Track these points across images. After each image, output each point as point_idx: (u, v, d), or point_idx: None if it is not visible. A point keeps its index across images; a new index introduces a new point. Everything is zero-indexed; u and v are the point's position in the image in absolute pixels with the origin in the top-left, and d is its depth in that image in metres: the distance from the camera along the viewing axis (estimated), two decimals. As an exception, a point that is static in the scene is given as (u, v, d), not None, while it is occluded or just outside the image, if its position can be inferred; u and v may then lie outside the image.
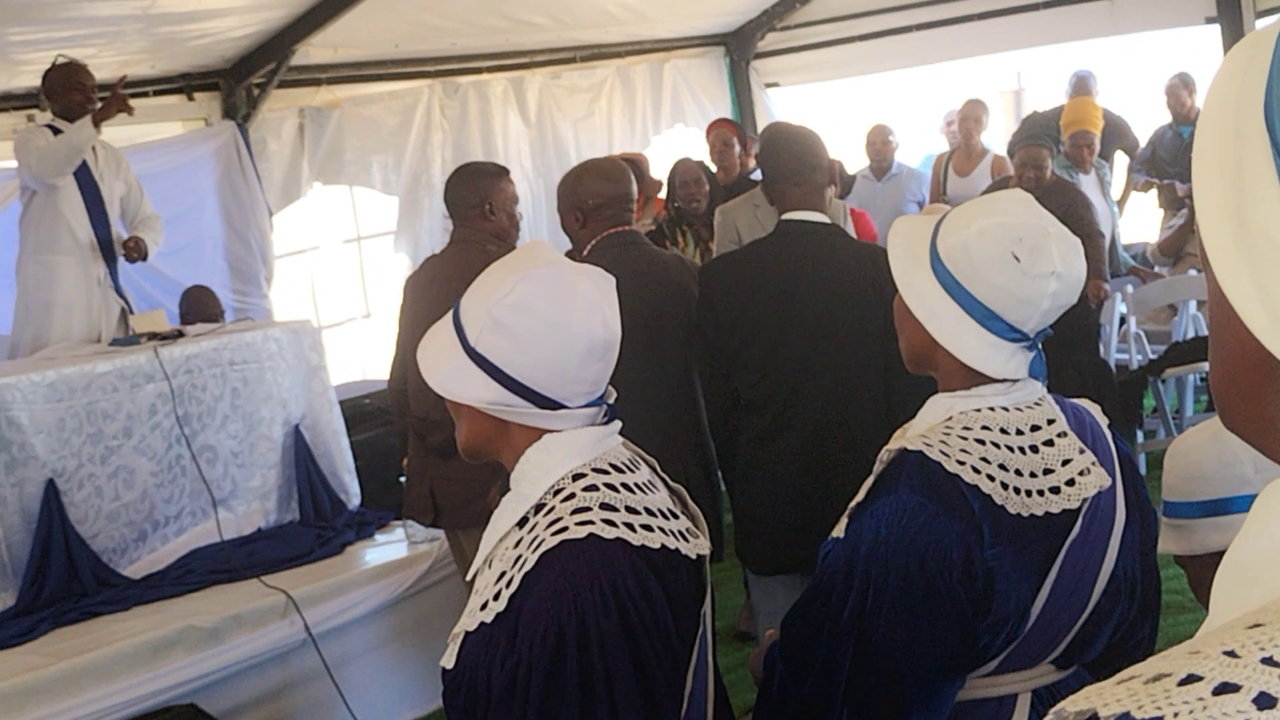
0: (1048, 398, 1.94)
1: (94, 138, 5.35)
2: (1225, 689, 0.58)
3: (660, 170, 7.20)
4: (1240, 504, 1.90)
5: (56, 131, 5.32)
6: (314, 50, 7.13)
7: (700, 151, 7.14)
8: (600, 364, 1.72)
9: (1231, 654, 0.59)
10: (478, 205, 4.15)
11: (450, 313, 1.77)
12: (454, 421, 1.79)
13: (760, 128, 8.35)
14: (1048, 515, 1.83)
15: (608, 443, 1.75)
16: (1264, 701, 0.57)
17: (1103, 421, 2.02)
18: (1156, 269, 7.74)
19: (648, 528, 1.66)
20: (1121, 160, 8.55)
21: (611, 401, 1.78)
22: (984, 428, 1.85)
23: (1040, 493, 1.83)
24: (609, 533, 1.62)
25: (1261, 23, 7.26)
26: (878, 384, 3.43)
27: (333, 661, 4.49)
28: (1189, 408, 7.08)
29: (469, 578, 1.80)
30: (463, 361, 1.70)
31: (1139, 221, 9.08)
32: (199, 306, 6.08)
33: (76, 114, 5.37)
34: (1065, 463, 1.86)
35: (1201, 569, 1.96)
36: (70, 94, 5.38)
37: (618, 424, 1.78)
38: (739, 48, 9.81)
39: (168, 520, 4.80)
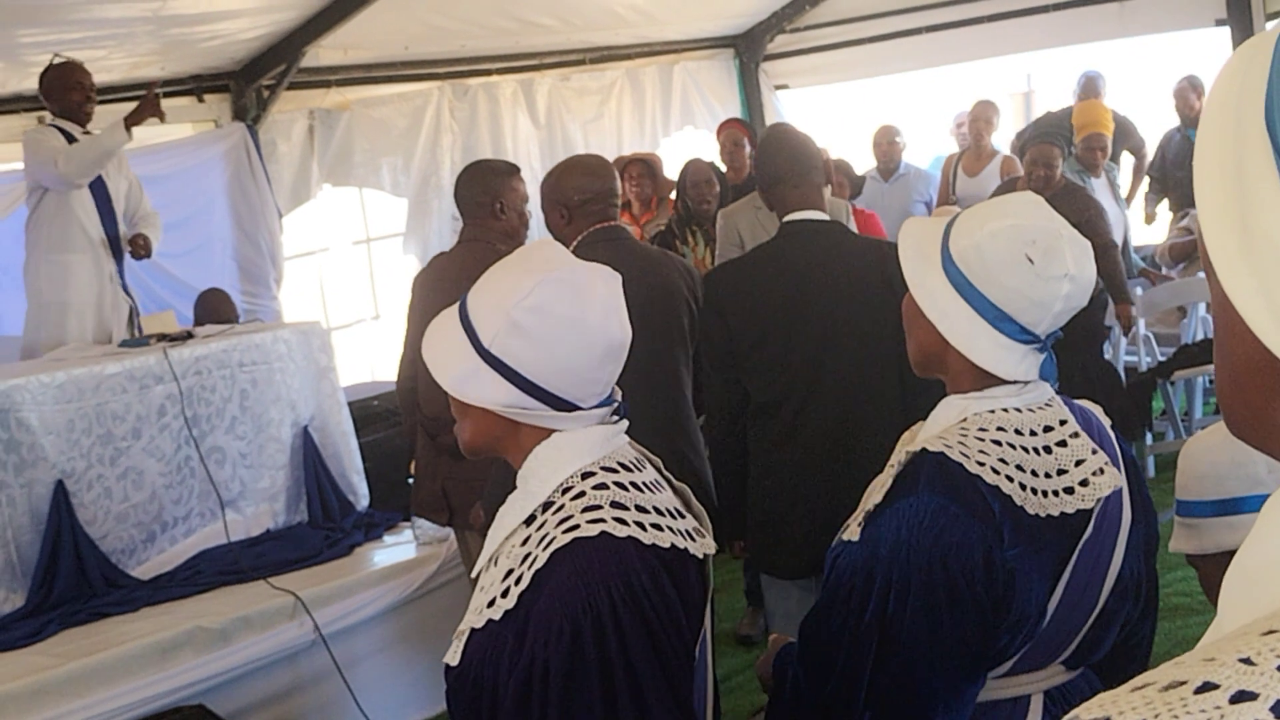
0: (1057, 399, 1.94)
1: (126, 142, 5.33)
2: (1242, 697, 0.57)
3: (670, 172, 7.20)
4: (1253, 503, 1.90)
5: (64, 132, 5.32)
6: (324, 52, 7.14)
7: (710, 154, 7.14)
8: (615, 365, 1.72)
9: (1248, 661, 0.59)
10: (488, 204, 4.15)
11: (455, 310, 1.76)
12: (457, 419, 1.79)
13: (770, 130, 8.34)
14: (1063, 515, 1.83)
15: (616, 441, 1.75)
16: (1281, 710, 0.57)
17: (1106, 422, 2.02)
18: (1165, 271, 7.73)
19: (657, 526, 1.66)
20: (1128, 160, 8.54)
21: (620, 400, 1.78)
22: (999, 429, 1.85)
23: (1056, 493, 1.83)
24: (621, 531, 1.62)
25: (1272, 25, 7.22)
26: (893, 380, 3.40)
27: (341, 663, 4.49)
28: (1198, 410, 7.08)
29: (473, 575, 1.80)
30: (476, 363, 1.69)
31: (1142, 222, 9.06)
32: (214, 310, 6.08)
33: (76, 113, 5.37)
34: (1079, 463, 1.86)
35: (1213, 568, 1.96)
36: (69, 93, 5.37)
37: (625, 423, 1.78)
38: (748, 50, 9.81)
39: (176, 521, 4.81)
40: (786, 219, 3.56)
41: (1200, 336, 7.07)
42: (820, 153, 3.75)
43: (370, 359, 8.22)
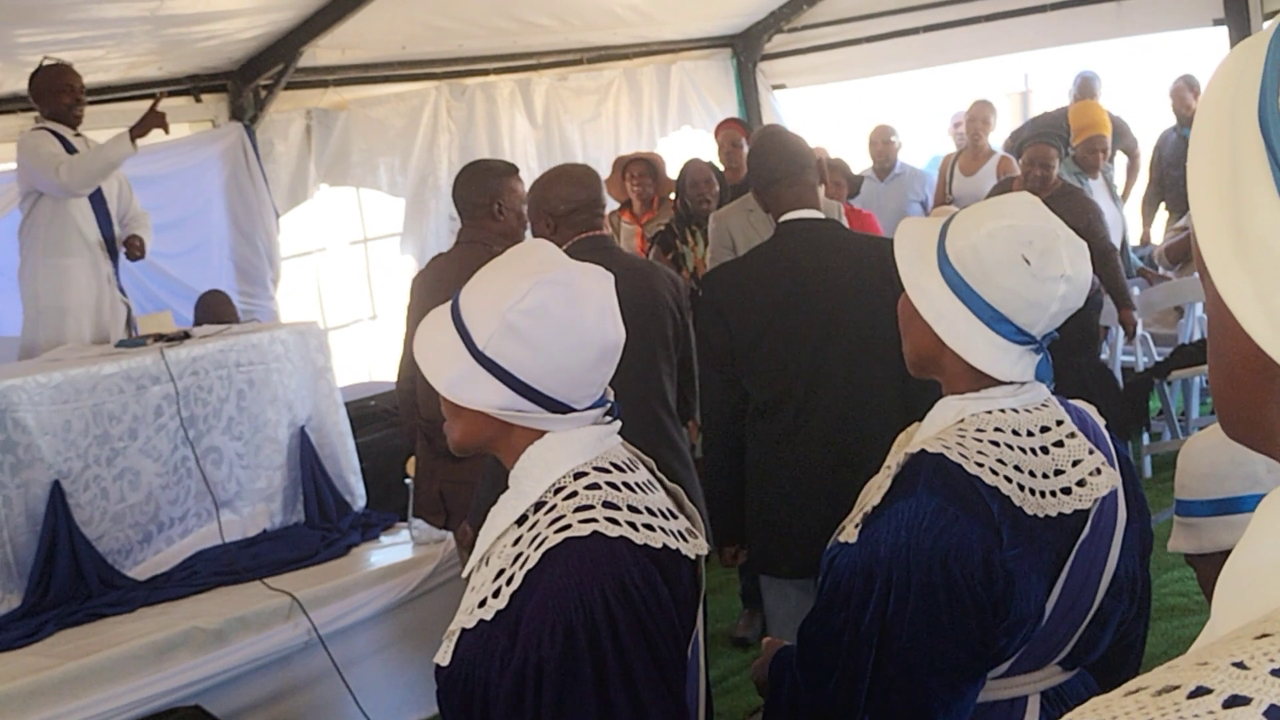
0: (1054, 399, 1.94)
1: (130, 154, 5.31)
2: (1235, 701, 0.57)
3: (668, 172, 7.20)
4: (1251, 503, 1.90)
5: (58, 136, 5.29)
6: (321, 52, 7.13)
7: (707, 154, 7.14)
8: (609, 366, 1.72)
9: (1241, 665, 0.59)
10: (486, 205, 4.14)
11: (447, 311, 1.75)
12: (447, 418, 1.78)
13: (767, 130, 8.34)
14: (1061, 516, 1.83)
15: (608, 442, 1.75)
16: (1275, 714, 0.56)
17: (1101, 422, 2.02)
18: (1163, 271, 7.74)
19: (649, 527, 1.66)
20: (1121, 160, 8.55)
21: (612, 400, 1.78)
22: (997, 429, 1.85)
23: (1054, 493, 1.83)
24: (613, 530, 1.62)
25: (1269, 24, 7.22)
26: (894, 378, 3.38)
27: (338, 663, 4.48)
28: (1195, 410, 7.08)
29: (464, 574, 1.79)
30: (470, 365, 1.68)
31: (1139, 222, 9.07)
32: (214, 311, 6.06)
33: (66, 116, 5.34)
34: (1076, 463, 1.87)
35: (1211, 568, 1.96)
36: (59, 96, 5.35)
37: (618, 424, 1.78)
38: (746, 49, 9.81)
39: (173, 522, 4.81)
40: (783, 219, 3.56)
41: (1197, 336, 7.07)
42: (813, 152, 3.75)
43: (367, 359, 8.22)
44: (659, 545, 1.65)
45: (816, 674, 1.90)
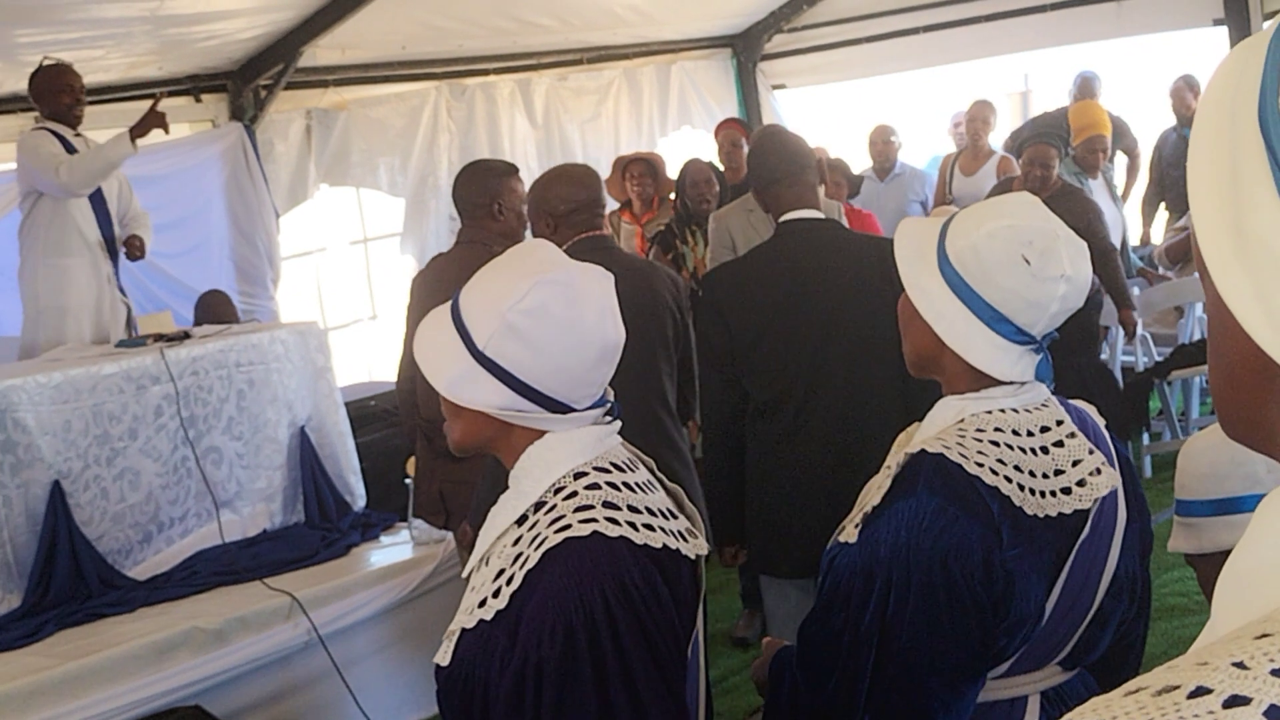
0: (1054, 399, 1.94)
1: (130, 154, 5.30)
2: (1235, 701, 0.57)
3: (669, 171, 7.20)
4: (1251, 503, 1.90)
5: (59, 137, 5.29)
6: (321, 52, 7.13)
7: (707, 153, 7.14)
8: (609, 365, 1.72)
9: (1240, 665, 0.59)
10: (486, 205, 4.14)
11: (447, 311, 1.75)
12: (446, 418, 1.78)
13: (767, 130, 8.34)
14: (1061, 516, 1.83)
15: (608, 442, 1.75)
16: (1275, 714, 0.56)
17: (1100, 422, 2.02)
18: (1163, 271, 7.74)
19: (649, 527, 1.66)
20: (1121, 160, 8.55)
21: (613, 400, 1.78)
22: (997, 429, 1.85)
23: (1054, 493, 1.83)
24: (613, 530, 1.62)
25: (1269, 24, 7.22)
26: (894, 377, 3.37)
27: (338, 663, 4.48)
28: (1195, 410, 7.08)
29: (464, 574, 1.79)
30: (470, 365, 1.68)
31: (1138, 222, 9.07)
32: (215, 312, 6.06)
33: (66, 116, 5.34)
34: (1076, 463, 1.87)
35: (1211, 568, 1.96)
36: (59, 96, 5.35)
37: (618, 424, 1.77)
38: (746, 49, 9.81)
39: (173, 522, 4.81)
40: (783, 219, 3.56)
41: (1197, 336, 7.07)
42: (813, 152, 3.75)
43: (367, 359, 8.22)
44: (659, 545, 1.65)
45: (816, 674, 1.90)
